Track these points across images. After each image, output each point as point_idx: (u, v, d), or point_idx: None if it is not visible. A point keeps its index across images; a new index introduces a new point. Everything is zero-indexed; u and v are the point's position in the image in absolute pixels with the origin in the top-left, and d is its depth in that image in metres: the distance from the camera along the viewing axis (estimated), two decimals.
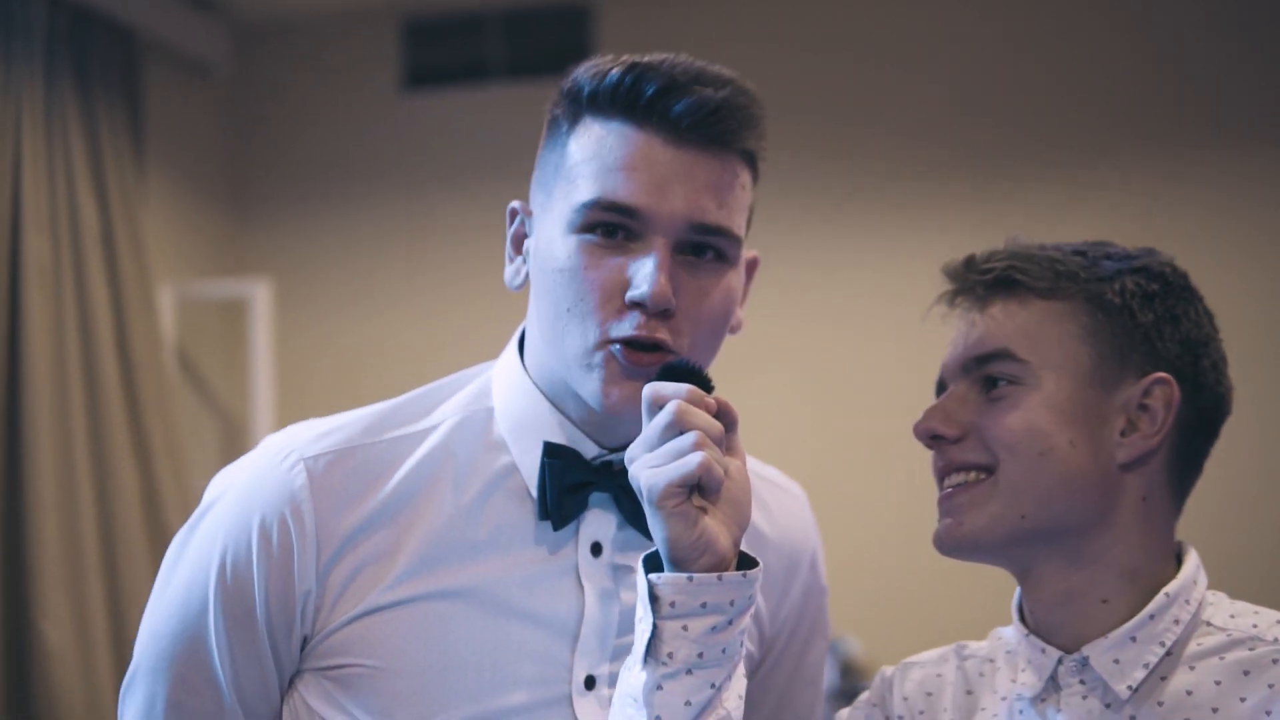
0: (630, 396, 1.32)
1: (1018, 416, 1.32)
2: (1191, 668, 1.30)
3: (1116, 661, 1.30)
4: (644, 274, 1.32)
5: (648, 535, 1.37)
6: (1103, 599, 1.33)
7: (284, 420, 1.47)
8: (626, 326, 1.33)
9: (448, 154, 4.78)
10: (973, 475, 1.35)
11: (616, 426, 1.39)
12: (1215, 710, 1.27)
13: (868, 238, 4.47)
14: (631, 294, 1.32)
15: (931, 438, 1.37)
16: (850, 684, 3.86)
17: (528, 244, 1.44)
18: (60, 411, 3.84)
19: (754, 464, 1.54)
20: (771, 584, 1.57)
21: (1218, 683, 1.28)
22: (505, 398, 1.46)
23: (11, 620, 3.71)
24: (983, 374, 1.36)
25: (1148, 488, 1.34)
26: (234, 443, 4.67)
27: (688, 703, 1.22)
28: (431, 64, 4.79)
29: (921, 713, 1.44)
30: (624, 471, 1.38)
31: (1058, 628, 1.34)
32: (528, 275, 1.44)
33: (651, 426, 1.25)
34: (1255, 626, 1.31)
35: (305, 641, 1.41)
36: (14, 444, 3.74)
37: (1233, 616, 1.33)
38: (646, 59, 1.37)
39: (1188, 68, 4.25)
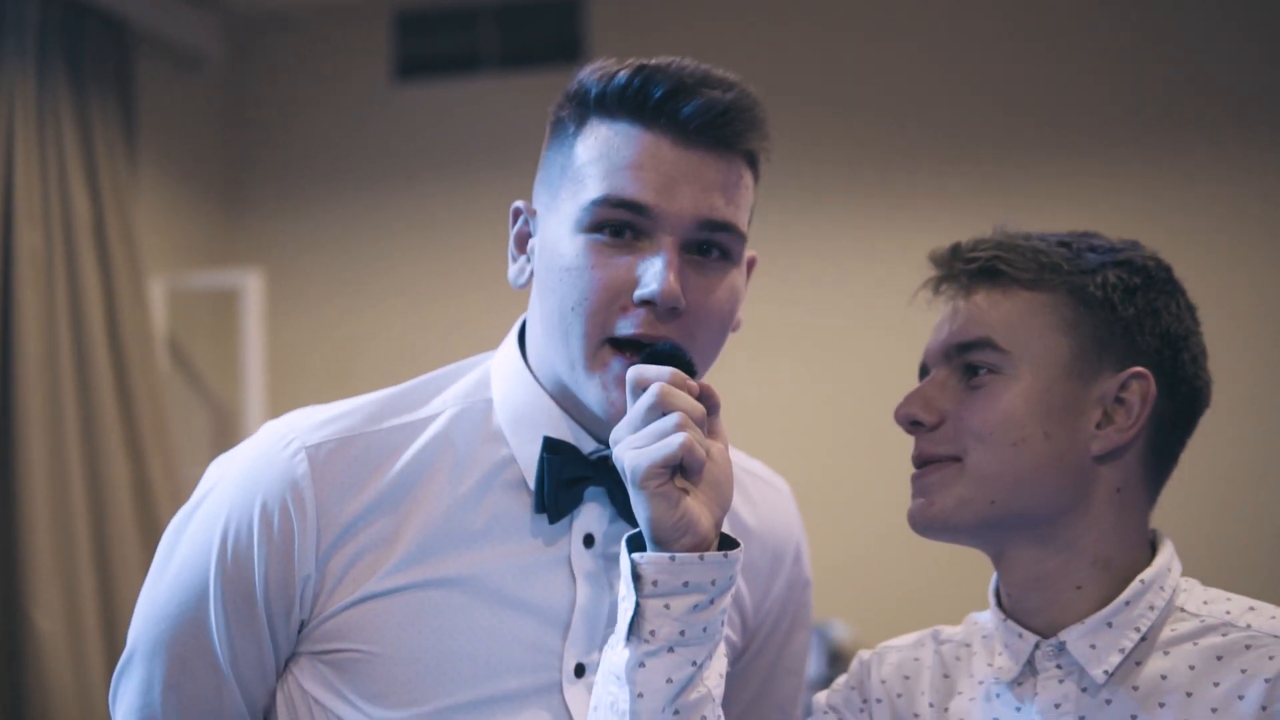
0: None
1: (995, 408, 1.34)
2: (1166, 653, 1.32)
3: (1093, 646, 1.32)
4: (653, 272, 1.34)
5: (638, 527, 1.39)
6: (1076, 585, 1.35)
7: (275, 411, 1.49)
8: (632, 324, 1.35)
9: (440, 145, 4.78)
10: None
11: (616, 422, 1.40)
12: (1189, 694, 1.29)
13: (864, 225, 4.47)
14: (640, 292, 1.34)
15: (911, 423, 1.39)
16: (839, 671, 3.88)
17: (532, 243, 1.46)
18: (52, 402, 3.84)
19: (740, 457, 1.56)
20: (756, 576, 1.59)
21: (1191, 667, 1.30)
22: (504, 390, 1.48)
23: (3, 610, 3.71)
24: (964, 361, 1.37)
25: (1122, 479, 1.36)
26: (226, 433, 4.68)
27: (669, 680, 1.25)
28: (423, 55, 4.80)
29: (899, 695, 1.46)
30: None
31: (1033, 612, 1.36)
32: (532, 274, 1.45)
33: (635, 408, 1.28)
34: (1228, 613, 1.33)
35: (302, 625, 1.43)
36: (6, 434, 3.75)
37: (1205, 603, 1.35)
38: (653, 61, 1.39)
39: (1188, 56, 4.27)
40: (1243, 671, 1.28)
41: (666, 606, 1.24)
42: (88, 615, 3.83)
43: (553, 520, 1.43)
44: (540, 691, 1.41)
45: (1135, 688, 1.31)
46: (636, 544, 1.28)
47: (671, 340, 1.34)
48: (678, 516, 1.24)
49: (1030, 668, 1.36)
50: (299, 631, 1.43)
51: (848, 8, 4.51)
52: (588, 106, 1.40)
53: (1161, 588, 1.34)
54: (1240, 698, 1.27)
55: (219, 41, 4.80)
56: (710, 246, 1.38)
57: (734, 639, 1.58)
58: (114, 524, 3.93)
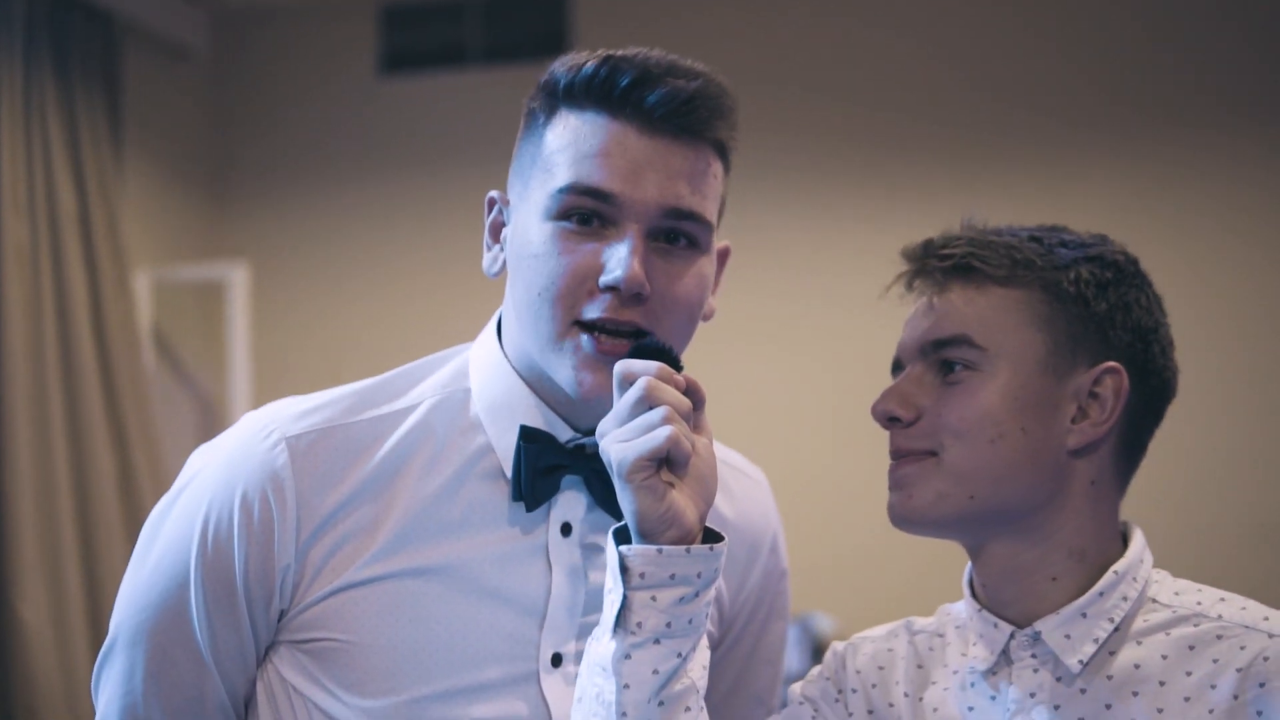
0: (603, 383, 1.35)
1: (972, 404, 1.35)
2: (1139, 643, 1.33)
3: (1067, 636, 1.33)
4: (617, 258, 1.35)
5: (617, 517, 1.40)
6: (1052, 577, 1.36)
7: (261, 403, 1.50)
8: (598, 309, 1.36)
9: (425, 139, 4.79)
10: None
11: (591, 410, 1.42)
12: (1162, 683, 1.31)
13: (849, 217, 4.48)
14: (605, 278, 1.36)
15: (888, 419, 1.40)
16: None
17: (505, 232, 1.47)
18: (37, 395, 3.84)
19: (717, 448, 1.57)
20: (732, 566, 1.60)
21: (1164, 657, 1.32)
22: (482, 379, 1.49)
23: None
24: (940, 357, 1.38)
25: (1096, 471, 1.37)
26: (211, 426, 4.68)
27: (655, 671, 1.26)
28: (409, 49, 4.80)
29: (874, 686, 1.47)
30: (596, 455, 1.42)
31: (1009, 603, 1.37)
32: (505, 263, 1.47)
33: (622, 402, 1.29)
34: (1199, 604, 1.35)
35: (282, 614, 1.44)
36: None
37: (1177, 594, 1.37)
38: (621, 52, 1.40)
39: (1180, 48, 4.28)
40: (1214, 661, 1.30)
41: (653, 599, 1.26)
42: (72, 607, 3.83)
43: (530, 508, 1.44)
44: (517, 681, 1.43)
45: (1109, 677, 1.32)
46: (622, 537, 1.29)
47: (640, 326, 1.36)
48: (664, 509, 1.25)
49: (1005, 657, 1.37)
50: (278, 621, 1.44)
51: (840, 1, 4.52)
52: (557, 97, 1.41)
53: (1134, 578, 1.36)
54: (1212, 687, 1.29)
55: (205, 35, 4.80)
56: (677, 235, 1.40)
57: (710, 630, 1.59)
58: (99, 516, 3.93)
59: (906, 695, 1.45)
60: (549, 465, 1.43)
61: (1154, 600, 1.36)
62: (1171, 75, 4.29)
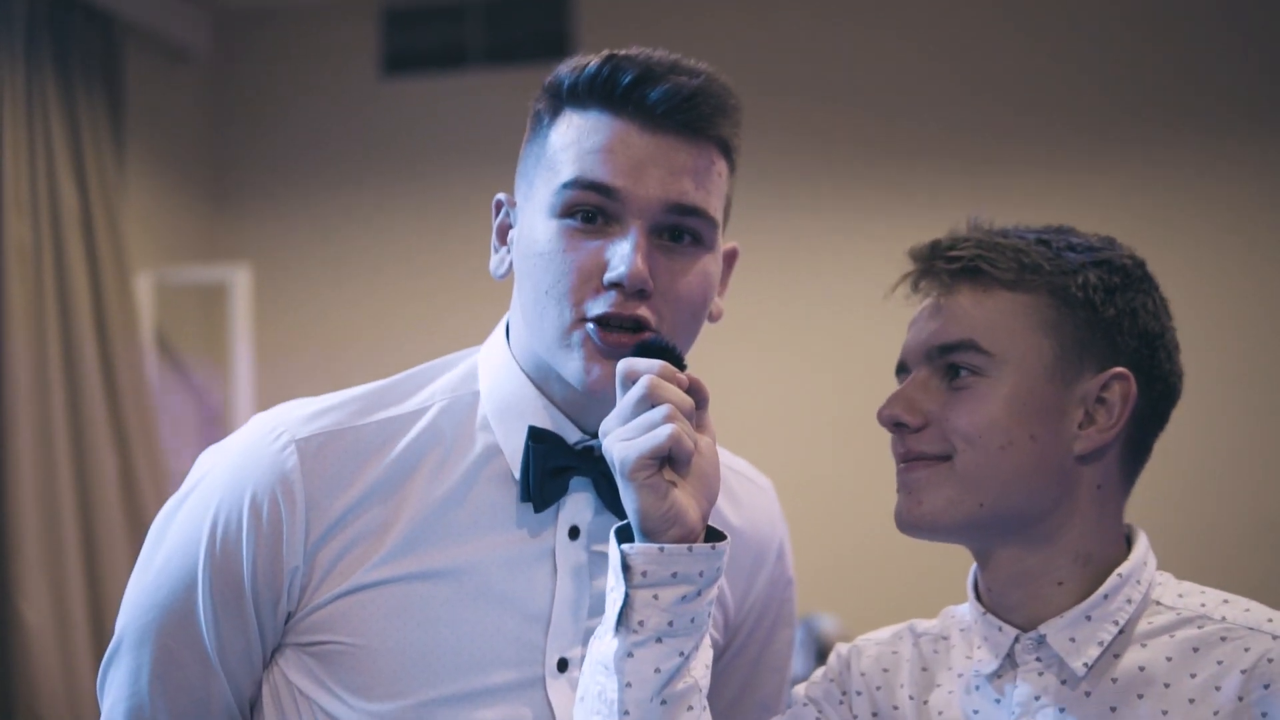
0: (611, 375, 1.35)
1: (980, 410, 1.34)
2: (1144, 645, 1.33)
3: (1072, 640, 1.33)
4: (621, 255, 1.35)
5: (625, 519, 1.40)
6: (1058, 581, 1.36)
7: (263, 406, 1.50)
8: (603, 305, 1.36)
9: (427, 140, 4.79)
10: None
11: (599, 409, 1.41)
12: (1167, 685, 1.31)
13: (854, 219, 4.48)
14: (609, 275, 1.36)
15: (894, 425, 1.39)
16: None
17: (512, 234, 1.48)
18: (39, 395, 3.84)
19: (724, 455, 1.57)
20: (738, 573, 1.60)
21: (1169, 659, 1.32)
22: (491, 382, 1.49)
23: None
24: (946, 362, 1.38)
25: (1102, 476, 1.37)
26: (214, 428, 4.68)
27: (657, 670, 1.26)
28: (411, 50, 4.80)
29: (879, 688, 1.47)
30: (604, 457, 1.41)
31: (1014, 607, 1.37)
32: (512, 264, 1.47)
33: (624, 400, 1.29)
34: (1203, 606, 1.35)
35: (289, 617, 1.43)
36: None
37: (1181, 596, 1.37)
38: (623, 51, 1.41)
39: (1182, 51, 4.28)
40: (1219, 663, 1.30)
41: (655, 597, 1.26)
42: (75, 608, 3.83)
43: (538, 509, 1.44)
44: (523, 686, 1.42)
45: (1114, 680, 1.32)
46: (625, 535, 1.29)
47: (646, 321, 1.36)
48: (666, 508, 1.26)
49: (1010, 661, 1.37)
50: (285, 623, 1.44)
51: (843, 2, 4.51)
52: (560, 97, 1.42)
53: (1138, 581, 1.36)
54: (1217, 689, 1.29)
55: (207, 36, 4.80)
56: (681, 231, 1.40)
57: (716, 637, 1.58)
58: (101, 517, 3.93)
59: (911, 698, 1.45)
60: (557, 466, 1.43)
61: (1158, 603, 1.36)
62: (1174, 79, 4.28)
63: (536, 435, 1.43)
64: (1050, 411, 1.34)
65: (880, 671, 1.48)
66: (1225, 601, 1.35)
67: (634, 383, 1.29)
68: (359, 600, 1.41)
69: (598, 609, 1.44)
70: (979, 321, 1.36)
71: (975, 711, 1.39)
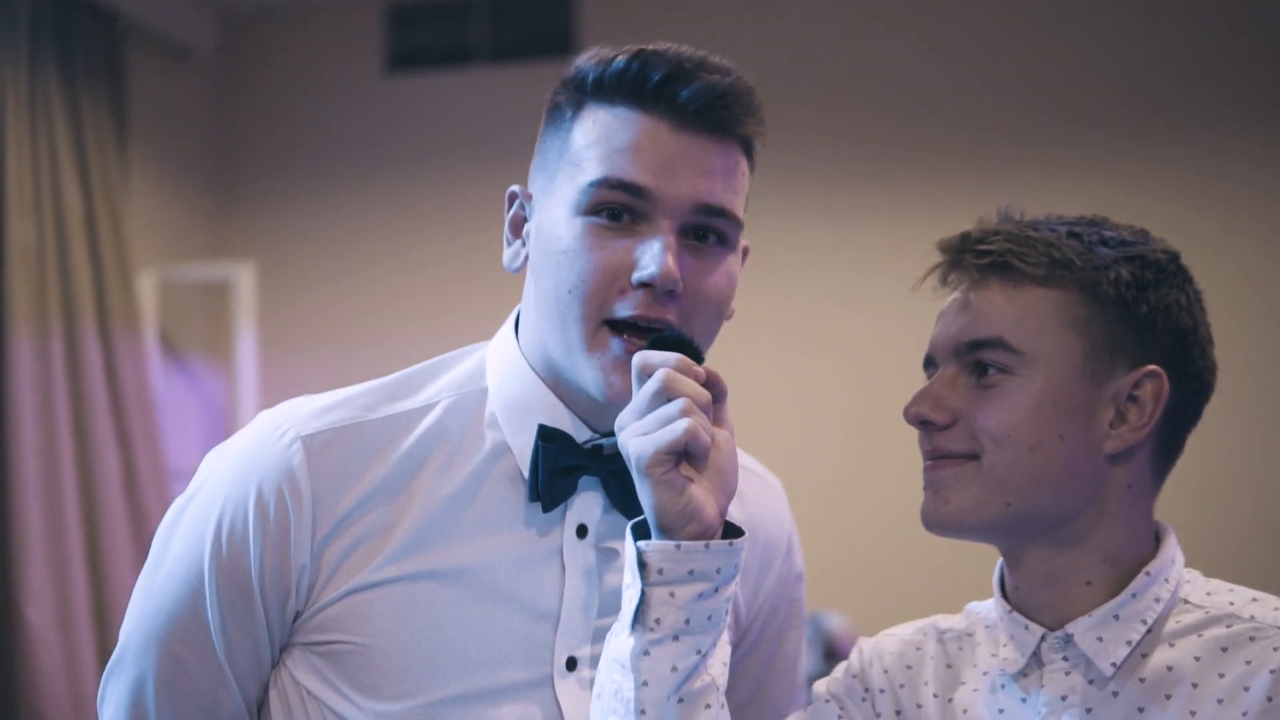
0: (631, 385, 1.33)
1: (1009, 409, 1.32)
2: (1171, 644, 1.32)
3: (1100, 639, 1.31)
4: (651, 254, 1.33)
5: (633, 519, 1.39)
6: (1086, 581, 1.34)
7: (267, 404, 1.49)
8: (630, 306, 1.34)
9: (431, 137, 4.78)
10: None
11: (611, 410, 1.40)
12: (1195, 685, 1.29)
13: (862, 215, 4.47)
14: (638, 274, 1.34)
15: (921, 422, 1.37)
16: (835, 664, 3.87)
17: (528, 227, 1.45)
18: (44, 394, 3.83)
19: None
20: (746, 572, 1.58)
21: (1197, 658, 1.30)
22: (500, 379, 1.47)
23: None
24: (974, 359, 1.35)
25: (1133, 475, 1.35)
26: (218, 426, 4.67)
27: (674, 668, 1.25)
28: (415, 47, 4.79)
29: (902, 686, 1.45)
30: (614, 456, 1.41)
31: (1041, 606, 1.35)
32: (527, 258, 1.45)
33: (640, 394, 1.27)
34: (1231, 604, 1.33)
35: (296, 616, 1.42)
36: None
37: (1209, 594, 1.35)
38: (651, 46, 1.39)
39: (1195, 48, 4.26)
40: (1247, 663, 1.28)
41: (671, 595, 1.24)
42: (79, 608, 3.82)
43: (547, 509, 1.42)
44: (532, 685, 1.41)
45: (1142, 680, 1.31)
46: (641, 532, 1.28)
47: (672, 323, 1.34)
48: (683, 504, 1.24)
49: (1036, 659, 1.35)
50: (293, 622, 1.43)
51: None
52: (585, 91, 1.39)
53: (1166, 579, 1.34)
54: (1246, 689, 1.27)
55: (210, 33, 4.79)
56: (707, 231, 1.38)
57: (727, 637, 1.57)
58: (105, 517, 3.92)
59: (936, 696, 1.43)
60: (566, 465, 1.41)
61: (1186, 601, 1.34)
62: (1182, 77, 4.27)
63: (546, 434, 1.41)
64: (1080, 411, 1.32)
65: (904, 669, 1.46)
66: (1254, 600, 1.33)
67: (650, 376, 1.27)
68: (366, 599, 1.40)
69: (606, 608, 1.43)
70: (1008, 319, 1.33)
71: (1001, 711, 1.37)
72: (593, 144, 1.37)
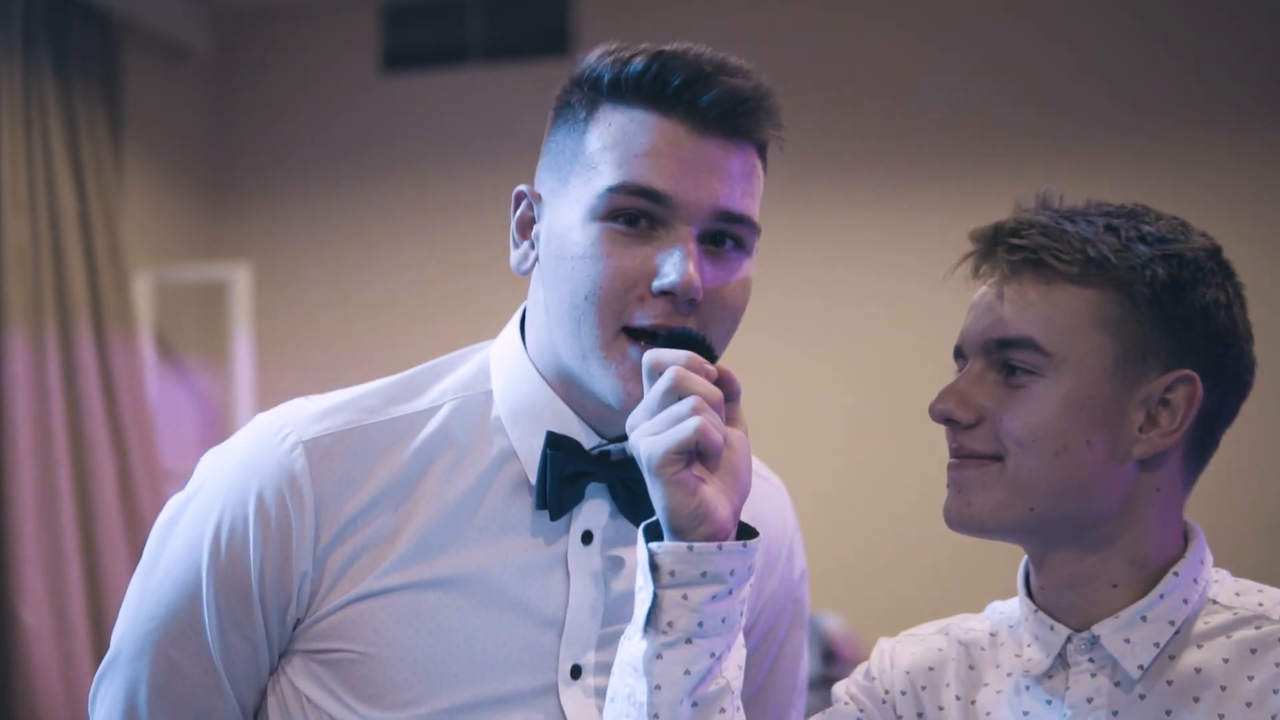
0: None
1: (1035, 412, 1.29)
2: (1200, 646, 1.29)
3: (1127, 641, 1.29)
4: (673, 262, 1.31)
5: (639, 525, 1.37)
6: (1113, 584, 1.31)
7: (263, 406, 1.46)
8: (650, 315, 1.32)
9: (427, 137, 4.77)
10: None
11: (620, 417, 1.37)
12: (1224, 688, 1.27)
13: (860, 217, 4.47)
14: (660, 282, 1.31)
15: (946, 420, 1.34)
16: (833, 667, 3.86)
17: (537, 229, 1.42)
18: (38, 396, 3.83)
19: None
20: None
21: (1226, 660, 1.28)
22: (505, 381, 1.45)
23: None
24: (1003, 358, 1.32)
25: (1163, 480, 1.32)
26: (214, 428, 4.66)
27: (687, 672, 1.22)
28: (410, 46, 4.78)
29: (924, 687, 1.42)
30: (621, 462, 1.39)
31: (1067, 607, 1.33)
32: (535, 260, 1.42)
33: (651, 393, 1.25)
34: (1261, 605, 1.31)
35: (297, 623, 1.40)
36: None
37: (1238, 595, 1.32)
38: (669, 48, 1.36)
39: (1199, 45, 4.27)
40: (1277, 665, 1.26)
41: (684, 597, 1.22)
42: (74, 611, 3.82)
43: (555, 517, 1.40)
44: (537, 694, 1.39)
45: (1169, 682, 1.29)
46: (653, 533, 1.26)
47: (690, 330, 1.31)
48: (695, 505, 1.22)
49: (1061, 661, 1.33)
50: (293, 629, 1.40)
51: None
52: (600, 92, 1.36)
53: (1195, 580, 1.32)
54: (1275, 691, 1.25)
55: (205, 33, 4.78)
56: (724, 237, 1.36)
57: None
58: (100, 519, 3.92)
59: (958, 698, 1.41)
60: (574, 472, 1.39)
61: (1214, 601, 1.32)
62: (1182, 74, 4.28)
63: (554, 441, 1.39)
64: (1109, 414, 1.29)
65: (925, 670, 1.43)
66: None
67: (661, 375, 1.25)
68: (370, 607, 1.38)
69: (612, 614, 1.41)
70: (1039, 318, 1.30)
71: (1025, 713, 1.35)
72: (609, 147, 1.34)
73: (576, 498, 1.40)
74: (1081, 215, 1.33)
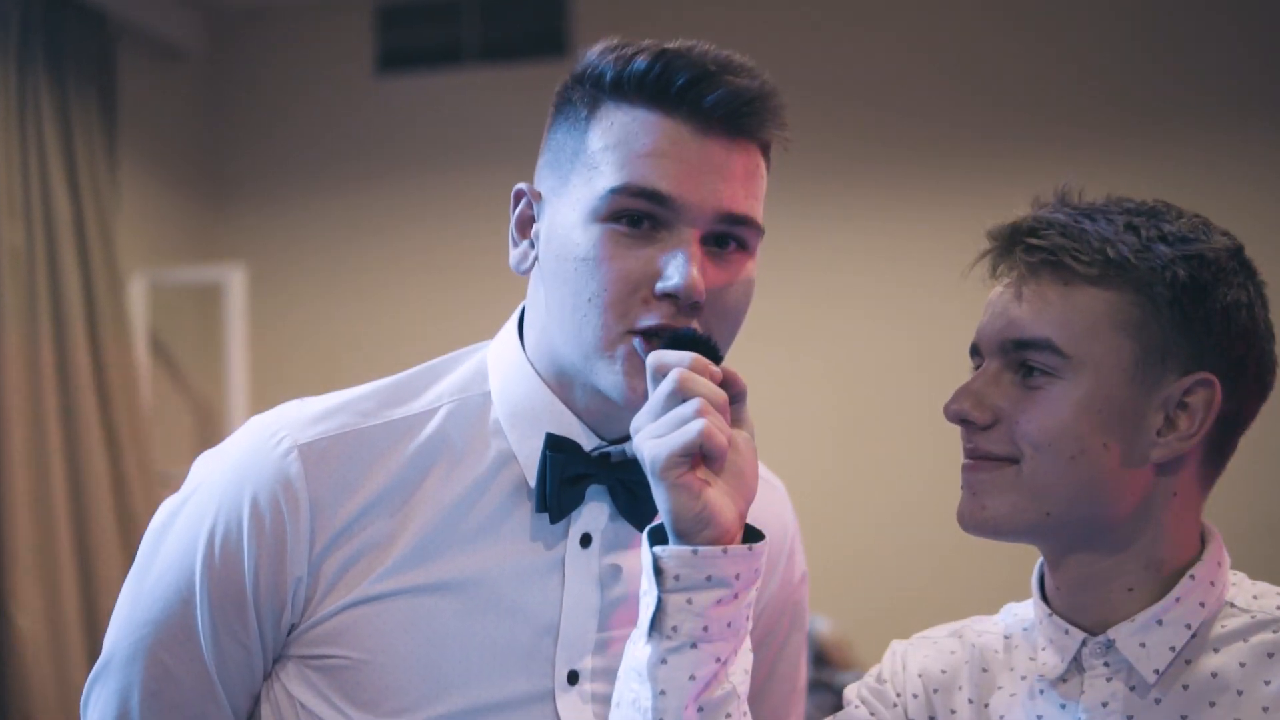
0: None
1: (1052, 415, 1.27)
2: (1216, 650, 1.28)
3: (1143, 645, 1.28)
4: (675, 265, 1.29)
5: (640, 528, 1.36)
6: (1129, 587, 1.30)
7: (259, 408, 1.45)
8: (654, 317, 1.30)
9: (422, 138, 4.76)
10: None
11: (620, 418, 1.36)
12: (1240, 693, 1.25)
13: (852, 219, 4.47)
14: (663, 285, 1.30)
15: (961, 420, 1.32)
16: (825, 670, 3.86)
17: (536, 228, 1.40)
18: (33, 399, 3.82)
19: None
20: None
21: (1243, 665, 1.26)
22: (503, 383, 1.43)
23: None
24: (1020, 358, 1.30)
25: (1180, 483, 1.30)
26: (209, 430, 4.65)
27: (692, 677, 1.21)
28: (406, 48, 4.78)
29: (936, 691, 1.41)
30: (620, 464, 1.38)
31: (1081, 609, 1.32)
32: (535, 259, 1.40)
33: (655, 395, 1.24)
34: (1279, 608, 1.29)
35: (292, 628, 1.38)
36: None
37: (1256, 598, 1.31)
38: (673, 46, 1.34)
39: (1190, 46, 4.27)
40: None
41: (689, 601, 1.21)
42: (68, 613, 3.81)
43: (555, 520, 1.38)
44: (534, 700, 1.38)
45: (1185, 686, 1.27)
46: (657, 536, 1.24)
47: (693, 329, 1.30)
48: (699, 508, 1.21)
49: (1076, 665, 1.31)
50: (287, 635, 1.38)
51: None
52: (602, 90, 1.34)
53: (1212, 583, 1.30)
54: None
55: (200, 35, 4.77)
56: (728, 238, 1.34)
57: None
58: (94, 522, 3.91)
59: (971, 702, 1.39)
60: (574, 475, 1.37)
61: (1232, 604, 1.30)
62: (1174, 75, 4.28)
63: (554, 444, 1.37)
64: (1127, 418, 1.27)
65: (938, 673, 1.41)
66: None
67: (665, 376, 1.24)
68: (365, 613, 1.36)
69: (612, 619, 1.40)
70: (1057, 319, 1.28)
71: (1039, 717, 1.33)
72: (611, 147, 1.32)
73: (577, 500, 1.38)
74: (1101, 213, 1.31)
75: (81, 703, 1.46)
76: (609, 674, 1.38)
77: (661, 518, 1.23)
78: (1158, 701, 1.27)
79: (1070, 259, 1.28)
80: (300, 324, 4.80)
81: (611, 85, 1.34)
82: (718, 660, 1.22)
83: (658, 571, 1.21)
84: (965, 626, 1.45)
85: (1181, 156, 4.23)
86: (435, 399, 1.43)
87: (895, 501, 4.08)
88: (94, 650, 3.79)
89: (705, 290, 1.31)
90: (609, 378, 1.33)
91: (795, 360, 4.43)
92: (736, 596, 1.22)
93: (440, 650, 1.36)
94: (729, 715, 1.23)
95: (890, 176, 4.42)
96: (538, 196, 1.40)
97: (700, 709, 1.21)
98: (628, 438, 1.35)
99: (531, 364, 1.42)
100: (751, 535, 1.26)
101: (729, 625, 1.22)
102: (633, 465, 1.38)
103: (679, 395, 1.22)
